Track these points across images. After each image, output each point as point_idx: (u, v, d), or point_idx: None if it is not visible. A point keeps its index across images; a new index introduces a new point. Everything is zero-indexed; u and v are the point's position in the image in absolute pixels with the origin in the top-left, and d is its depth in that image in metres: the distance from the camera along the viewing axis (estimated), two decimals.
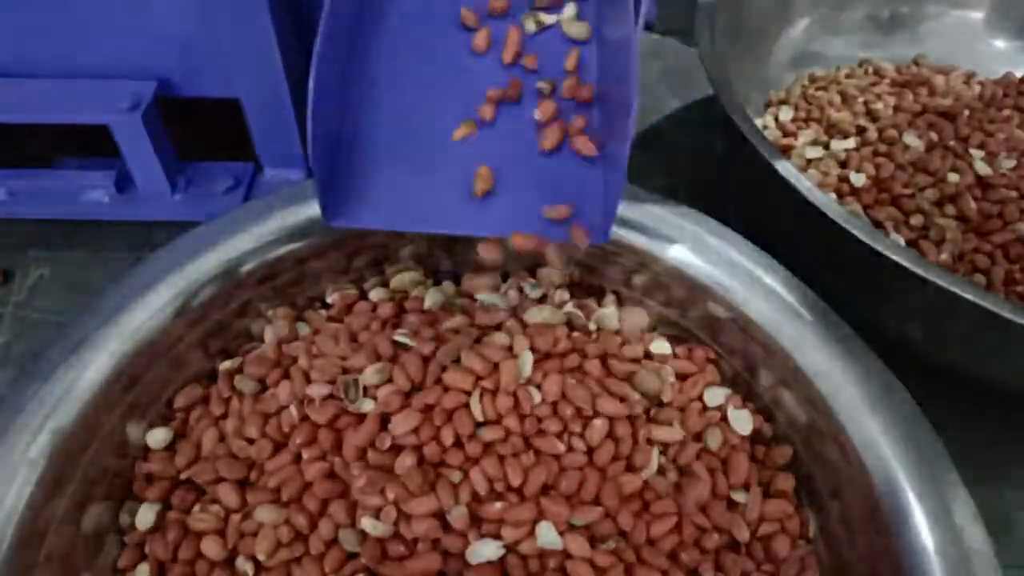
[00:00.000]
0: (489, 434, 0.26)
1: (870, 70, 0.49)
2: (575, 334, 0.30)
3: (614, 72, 0.27)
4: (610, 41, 0.28)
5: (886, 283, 0.31)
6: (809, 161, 0.42)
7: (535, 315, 0.30)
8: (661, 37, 0.57)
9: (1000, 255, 0.37)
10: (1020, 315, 0.28)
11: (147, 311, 0.28)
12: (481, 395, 0.27)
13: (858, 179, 0.40)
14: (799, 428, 0.29)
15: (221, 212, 0.31)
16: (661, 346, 0.31)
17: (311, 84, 0.24)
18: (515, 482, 0.25)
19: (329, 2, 0.26)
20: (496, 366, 0.28)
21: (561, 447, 0.26)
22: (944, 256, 0.37)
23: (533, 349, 0.29)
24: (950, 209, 0.38)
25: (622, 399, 0.28)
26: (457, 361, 0.28)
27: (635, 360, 0.29)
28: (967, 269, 0.37)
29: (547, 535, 0.25)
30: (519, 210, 0.27)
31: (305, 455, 0.27)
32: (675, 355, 0.32)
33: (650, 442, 0.28)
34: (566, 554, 0.25)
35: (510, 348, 0.29)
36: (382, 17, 0.30)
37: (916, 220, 0.38)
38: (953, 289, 0.28)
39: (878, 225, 0.38)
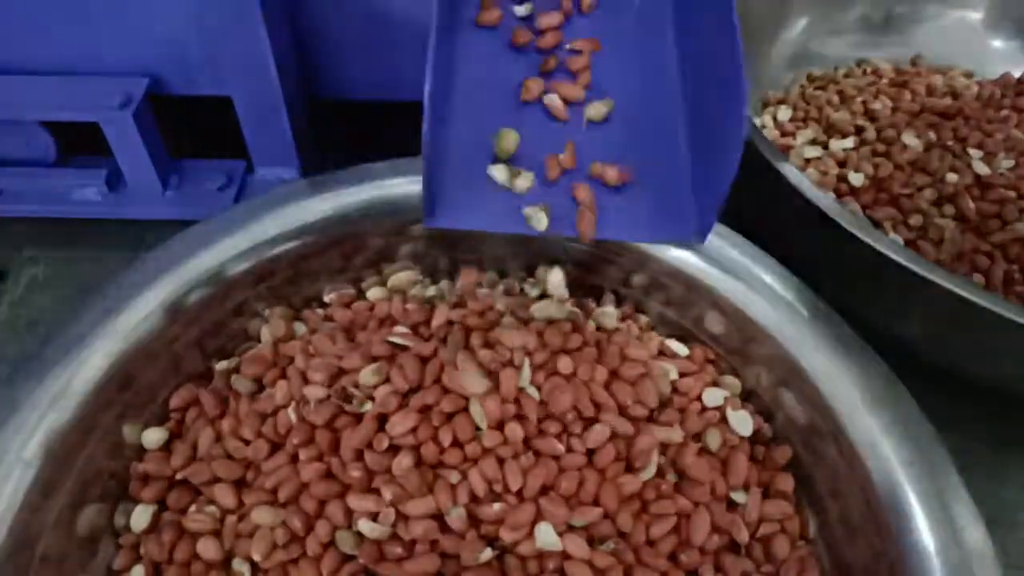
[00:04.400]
0: (489, 440, 0.26)
1: (868, 70, 0.49)
2: (575, 334, 0.30)
3: (715, 53, 0.26)
4: (707, 25, 0.27)
5: (885, 283, 0.31)
6: (808, 161, 0.42)
7: (540, 311, 0.30)
8: None
9: (999, 255, 0.37)
10: (1019, 314, 0.28)
11: (142, 310, 0.28)
12: (482, 400, 0.26)
13: (857, 179, 0.40)
14: (799, 428, 0.29)
15: (213, 210, 0.31)
16: (673, 346, 0.31)
17: (426, 99, 0.24)
18: (514, 485, 0.25)
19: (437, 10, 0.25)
20: (498, 368, 0.27)
21: (560, 448, 0.26)
22: (943, 256, 0.37)
23: (538, 346, 0.28)
24: (949, 209, 0.38)
25: (623, 407, 0.27)
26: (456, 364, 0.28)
27: (642, 363, 0.29)
28: (966, 269, 0.37)
29: (546, 536, 0.25)
30: (608, 212, 0.27)
31: (302, 455, 0.27)
32: (675, 354, 0.31)
33: None
34: (565, 555, 0.25)
35: (510, 350, 0.28)
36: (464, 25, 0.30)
37: (915, 220, 0.38)
38: (952, 288, 0.28)
39: (877, 225, 0.38)
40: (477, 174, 0.27)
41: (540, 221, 0.26)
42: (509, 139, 0.27)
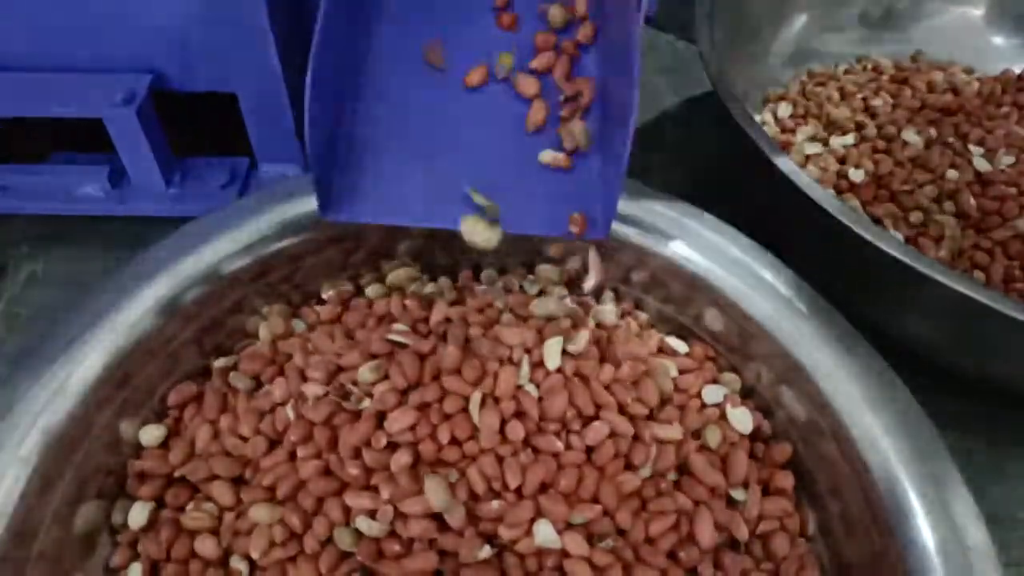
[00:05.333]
0: (488, 439, 0.26)
1: (869, 66, 0.49)
2: (575, 330, 0.30)
3: (615, 66, 0.27)
4: (612, 34, 0.28)
5: (885, 280, 0.31)
6: (808, 157, 0.42)
7: (540, 307, 0.30)
8: (659, 32, 0.57)
9: (999, 252, 0.37)
10: (1019, 312, 0.28)
11: (140, 307, 0.28)
12: (482, 402, 0.26)
13: (857, 175, 0.40)
14: (799, 426, 0.28)
15: (216, 207, 0.31)
16: (673, 343, 0.31)
17: (309, 77, 0.24)
18: (513, 483, 0.25)
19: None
20: (497, 367, 0.27)
21: (560, 445, 0.26)
22: (943, 253, 0.37)
23: (537, 343, 0.28)
24: (949, 206, 0.38)
25: (623, 405, 0.27)
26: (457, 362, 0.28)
27: (644, 360, 0.29)
28: (966, 266, 0.37)
29: (545, 534, 0.24)
30: (517, 205, 0.27)
31: (300, 453, 0.26)
32: (674, 352, 0.31)
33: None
34: (564, 553, 0.25)
35: (509, 347, 0.28)
36: (379, 9, 0.30)
37: (915, 217, 0.38)
38: (952, 286, 0.28)
39: (877, 222, 0.38)
40: (389, 163, 0.27)
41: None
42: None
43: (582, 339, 0.29)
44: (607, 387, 0.28)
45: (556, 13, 0.30)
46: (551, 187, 0.28)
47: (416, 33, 0.30)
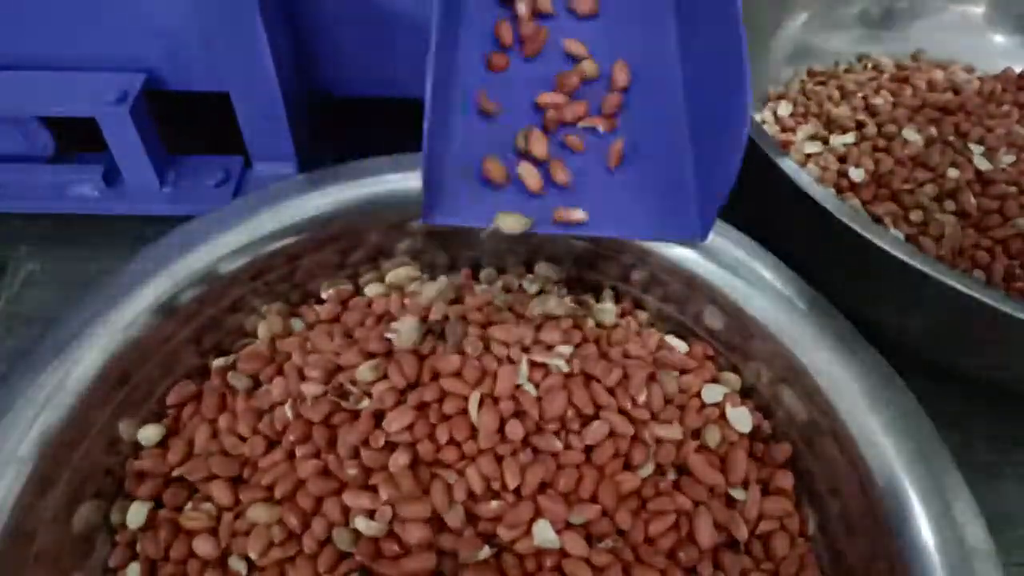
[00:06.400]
0: (486, 439, 0.26)
1: (869, 65, 0.49)
2: (574, 330, 0.30)
3: (718, 52, 0.25)
4: (708, 28, 0.27)
5: (885, 279, 0.31)
6: (808, 156, 0.42)
7: (538, 306, 0.30)
8: None
9: (1000, 251, 0.37)
10: (1020, 311, 0.28)
11: (138, 307, 0.28)
12: (480, 402, 0.26)
13: (857, 174, 0.40)
14: (798, 425, 0.28)
15: (211, 206, 0.31)
16: (673, 342, 0.31)
17: (428, 82, 0.23)
18: (512, 483, 0.25)
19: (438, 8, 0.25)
20: (496, 366, 0.27)
21: (558, 445, 0.26)
22: (943, 252, 0.36)
23: (537, 342, 0.28)
24: (949, 204, 0.38)
25: (623, 408, 0.27)
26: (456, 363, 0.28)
27: (648, 363, 0.29)
28: (967, 265, 0.37)
29: (544, 533, 0.24)
30: (606, 207, 0.26)
31: (299, 452, 0.26)
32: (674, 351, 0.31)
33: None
34: (563, 553, 0.25)
35: (507, 345, 0.28)
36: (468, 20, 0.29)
37: (915, 215, 0.38)
38: (953, 285, 0.28)
39: (877, 220, 0.38)
40: (477, 169, 0.27)
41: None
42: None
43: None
44: (610, 390, 0.28)
45: (587, 67, 0.29)
46: (637, 188, 0.27)
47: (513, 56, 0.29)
